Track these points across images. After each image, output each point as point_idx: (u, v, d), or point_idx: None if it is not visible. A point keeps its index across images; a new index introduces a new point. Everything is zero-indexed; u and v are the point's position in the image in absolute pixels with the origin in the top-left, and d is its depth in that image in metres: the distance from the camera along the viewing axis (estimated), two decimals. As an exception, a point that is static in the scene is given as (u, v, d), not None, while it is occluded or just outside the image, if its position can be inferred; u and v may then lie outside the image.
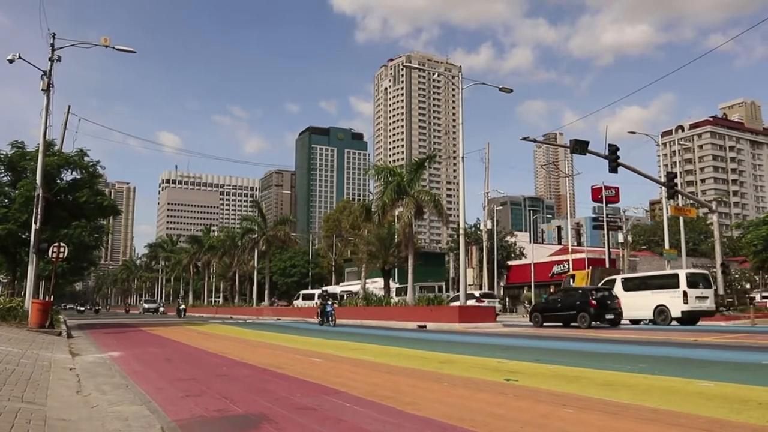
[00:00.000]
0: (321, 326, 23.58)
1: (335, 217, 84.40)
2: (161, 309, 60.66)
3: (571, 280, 35.50)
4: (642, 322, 23.26)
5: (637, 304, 22.67)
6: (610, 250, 43.72)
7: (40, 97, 19.96)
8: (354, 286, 50.18)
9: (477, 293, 37.68)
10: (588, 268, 38.06)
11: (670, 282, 22.96)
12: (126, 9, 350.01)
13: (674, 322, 22.01)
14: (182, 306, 45.59)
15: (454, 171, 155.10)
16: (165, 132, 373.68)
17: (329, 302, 25.37)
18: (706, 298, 22.54)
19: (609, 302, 20.57)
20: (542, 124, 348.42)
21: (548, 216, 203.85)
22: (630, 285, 24.16)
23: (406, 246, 30.98)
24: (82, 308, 79.08)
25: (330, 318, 24.03)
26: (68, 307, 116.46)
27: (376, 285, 47.43)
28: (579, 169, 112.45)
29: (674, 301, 22.12)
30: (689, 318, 22.07)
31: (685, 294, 21.84)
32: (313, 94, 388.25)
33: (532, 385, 6.50)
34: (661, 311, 22.63)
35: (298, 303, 46.84)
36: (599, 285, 25.15)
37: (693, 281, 22.68)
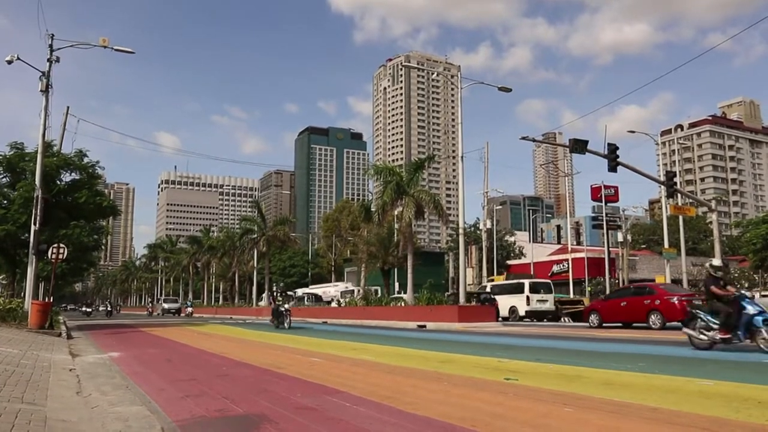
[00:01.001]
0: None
1: (334, 217, 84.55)
2: (189, 309, 50.60)
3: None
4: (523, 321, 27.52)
5: (500, 305, 27.31)
6: (610, 249, 43.72)
7: (39, 98, 19.94)
8: (319, 289, 51.23)
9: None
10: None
11: (519, 288, 28.49)
12: (124, 10, 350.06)
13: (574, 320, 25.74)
14: (285, 306, 21.29)
15: (454, 170, 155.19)
16: (164, 133, 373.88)
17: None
18: (546, 301, 28.13)
19: (487, 303, 25.88)
20: (541, 124, 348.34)
21: (548, 215, 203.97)
22: (495, 290, 29.13)
23: (406, 246, 30.99)
24: (89, 309, 65.41)
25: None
26: (70, 308, 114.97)
27: (337, 289, 48.09)
28: (578, 169, 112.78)
29: (521, 303, 27.43)
30: (531, 316, 26.94)
31: (528, 298, 27.31)
32: (312, 94, 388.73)
33: (533, 384, 6.51)
34: (512, 311, 27.92)
35: (263, 304, 46.87)
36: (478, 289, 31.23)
37: (535, 288, 28.36)
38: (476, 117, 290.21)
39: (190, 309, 50.46)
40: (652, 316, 18.22)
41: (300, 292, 53.44)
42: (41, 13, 49.05)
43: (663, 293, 18.70)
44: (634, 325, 19.20)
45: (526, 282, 28.99)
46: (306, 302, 47.50)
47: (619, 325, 19.66)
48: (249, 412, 5.16)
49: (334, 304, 42.25)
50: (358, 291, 42.18)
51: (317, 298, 48.58)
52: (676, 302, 17.74)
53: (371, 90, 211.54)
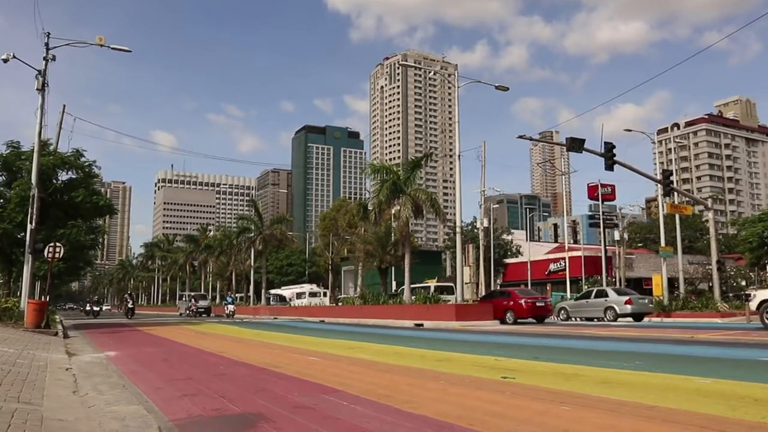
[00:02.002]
0: None
1: (332, 215, 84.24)
2: (230, 308, 38.93)
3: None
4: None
5: None
6: (607, 247, 43.80)
7: (35, 96, 19.88)
8: (287, 291, 52.83)
9: None
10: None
11: (426, 290, 30.92)
12: (121, 9, 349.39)
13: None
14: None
15: (451, 169, 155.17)
16: (160, 131, 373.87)
17: None
18: (449, 300, 30.87)
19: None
20: (538, 122, 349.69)
21: (545, 214, 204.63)
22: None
23: (403, 245, 30.99)
24: (97, 308, 49.08)
25: None
26: (68, 306, 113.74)
27: (302, 290, 49.84)
28: (575, 167, 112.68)
29: None
30: None
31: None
32: (308, 92, 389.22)
33: (530, 382, 6.51)
34: None
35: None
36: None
37: (439, 290, 31.10)
38: (473, 115, 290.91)
39: (231, 307, 38.90)
40: (508, 314, 22.92)
41: (272, 292, 55.27)
42: (37, 12, 48.92)
43: (516, 296, 23.70)
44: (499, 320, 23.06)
45: (432, 285, 32.28)
46: (271, 302, 49.75)
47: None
48: (246, 411, 5.15)
49: (292, 304, 45.31)
50: (323, 293, 49.49)
51: (281, 299, 49.66)
52: (523, 303, 22.92)
53: (368, 88, 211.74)
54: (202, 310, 43.41)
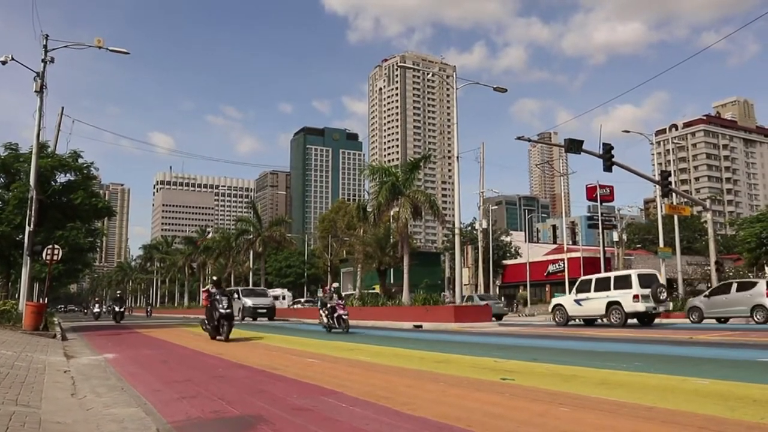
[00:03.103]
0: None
1: (330, 217, 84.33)
2: (341, 313, 18.46)
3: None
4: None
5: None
6: (605, 248, 43.81)
7: (33, 98, 19.87)
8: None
9: None
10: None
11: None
12: (120, 10, 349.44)
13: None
14: None
15: (449, 170, 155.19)
16: (158, 133, 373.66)
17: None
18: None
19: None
20: (536, 124, 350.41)
21: (543, 215, 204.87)
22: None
23: (402, 246, 30.99)
24: (121, 308, 33.86)
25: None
26: (69, 308, 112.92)
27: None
28: (574, 169, 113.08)
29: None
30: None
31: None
32: (306, 94, 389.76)
33: (528, 384, 6.50)
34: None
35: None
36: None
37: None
38: (471, 117, 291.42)
39: (343, 312, 18.34)
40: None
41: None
42: (36, 13, 48.91)
43: None
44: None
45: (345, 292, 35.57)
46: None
47: None
48: (245, 413, 5.14)
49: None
50: (283, 296, 51.91)
51: None
52: None
53: (366, 90, 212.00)
54: (264, 309, 31.28)
